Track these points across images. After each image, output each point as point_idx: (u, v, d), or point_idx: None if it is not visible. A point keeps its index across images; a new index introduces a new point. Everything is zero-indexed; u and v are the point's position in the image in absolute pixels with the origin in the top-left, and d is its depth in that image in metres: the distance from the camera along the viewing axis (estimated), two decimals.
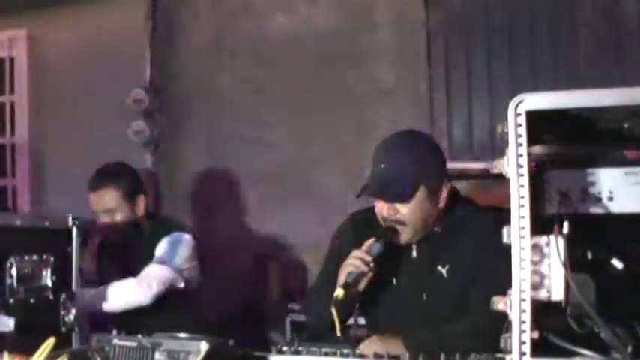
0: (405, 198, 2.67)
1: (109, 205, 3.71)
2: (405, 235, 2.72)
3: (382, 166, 2.70)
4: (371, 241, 2.69)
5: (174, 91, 5.42)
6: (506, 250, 1.62)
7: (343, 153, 4.54)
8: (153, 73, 5.36)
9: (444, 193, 2.71)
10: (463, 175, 4.20)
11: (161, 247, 3.65)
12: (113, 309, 3.35)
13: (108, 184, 3.72)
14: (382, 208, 2.71)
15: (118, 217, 3.72)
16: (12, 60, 5.59)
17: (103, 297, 3.31)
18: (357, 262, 2.64)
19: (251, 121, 5.21)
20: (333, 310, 2.53)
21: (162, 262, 3.58)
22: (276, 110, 5.15)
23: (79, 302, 3.08)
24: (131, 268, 3.72)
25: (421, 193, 2.66)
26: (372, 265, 2.64)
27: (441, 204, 2.71)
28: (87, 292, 3.21)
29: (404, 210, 2.67)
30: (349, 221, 2.95)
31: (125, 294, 3.41)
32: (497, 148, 1.69)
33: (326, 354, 2.03)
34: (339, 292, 2.55)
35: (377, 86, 4.91)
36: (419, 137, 2.82)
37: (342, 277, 2.62)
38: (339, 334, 2.57)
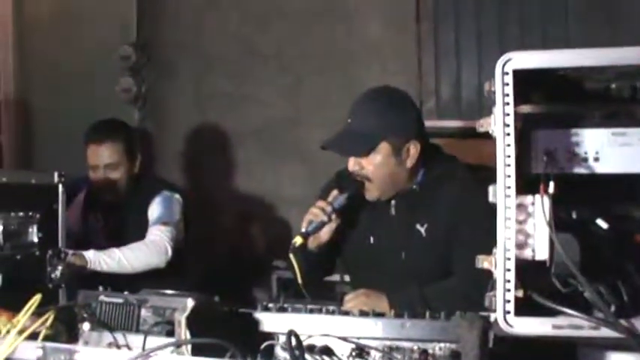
0: (359, 152, 2.68)
1: (112, 159, 3.69)
2: (370, 192, 2.73)
3: (349, 120, 2.71)
4: (335, 192, 2.72)
5: (162, 48, 5.38)
6: (486, 209, 1.62)
7: (331, 110, 4.51)
8: (140, 30, 5.31)
9: (413, 152, 2.69)
10: (450, 133, 4.21)
11: (157, 208, 3.65)
12: (130, 272, 3.35)
13: (112, 137, 3.70)
14: (349, 163, 2.72)
15: (118, 173, 3.71)
16: None
17: (121, 261, 3.31)
18: (317, 211, 2.69)
19: (239, 78, 5.18)
20: (291, 257, 2.64)
21: (165, 223, 3.59)
22: (264, 66, 5.12)
23: (93, 265, 3.10)
24: (118, 225, 3.73)
25: (384, 150, 2.67)
26: (333, 216, 2.69)
27: (410, 163, 2.70)
28: (101, 257, 3.21)
29: (368, 165, 2.68)
30: (333, 179, 2.96)
31: (144, 258, 3.42)
32: (485, 106, 1.68)
33: (311, 311, 2.04)
34: (297, 239, 2.65)
35: (365, 43, 4.88)
36: (390, 94, 2.80)
37: (302, 226, 2.68)
38: (299, 281, 2.62)
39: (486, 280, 1.66)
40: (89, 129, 3.75)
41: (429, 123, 4.27)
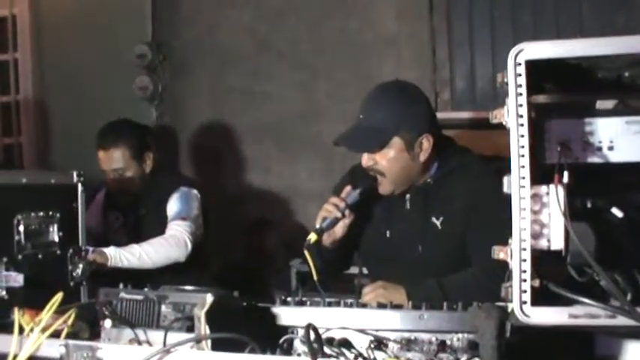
0: (372, 148, 2.69)
1: (118, 164, 3.73)
2: (384, 186, 2.74)
3: (361, 116, 2.71)
4: (348, 188, 2.73)
5: (177, 46, 5.41)
6: (502, 200, 1.63)
7: (347, 103, 4.52)
8: (155, 28, 5.34)
9: (426, 145, 2.68)
10: (465, 124, 4.20)
11: (175, 204, 3.67)
12: (150, 267, 3.38)
13: (117, 143, 3.73)
14: (363, 159, 2.73)
15: (128, 174, 3.75)
16: (14, 17, 5.55)
17: (142, 256, 3.33)
18: (330, 207, 2.70)
19: (254, 74, 5.20)
20: (306, 253, 2.65)
21: (184, 218, 3.61)
22: (279, 62, 5.14)
23: (114, 262, 3.13)
24: (137, 222, 3.76)
25: (397, 145, 2.67)
26: (346, 212, 2.70)
27: (423, 157, 2.70)
28: (121, 253, 3.24)
29: (382, 161, 2.69)
30: (348, 174, 2.97)
31: (164, 252, 3.44)
32: (499, 97, 1.68)
33: (329, 304, 2.05)
34: (311, 236, 2.67)
35: (379, 36, 4.89)
36: (400, 88, 2.79)
37: (317, 223, 2.70)
38: (315, 277, 2.63)
39: (503, 270, 1.66)
40: (98, 133, 3.79)
41: (443, 114, 4.31)
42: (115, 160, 3.73)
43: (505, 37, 4.48)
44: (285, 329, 2.04)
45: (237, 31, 5.24)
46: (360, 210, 2.76)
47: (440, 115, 2.85)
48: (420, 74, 4.29)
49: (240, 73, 5.23)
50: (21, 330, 1.96)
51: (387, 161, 2.68)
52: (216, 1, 5.30)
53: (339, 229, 2.73)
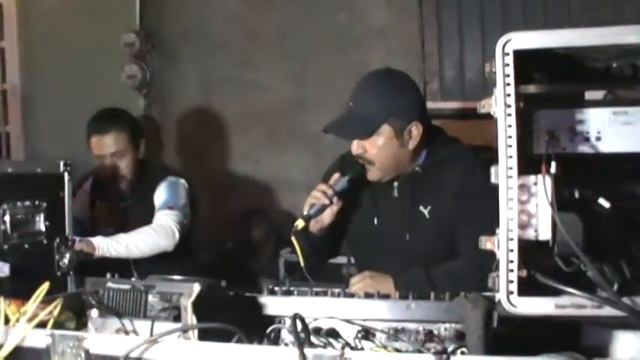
0: (361, 135, 2.68)
1: (117, 148, 3.69)
2: (373, 173, 2.74)
3: (351, 104, 2.71)
4: (337, 175, 2.73)
5: (166, 34, 5.38)
6: (490, 190, 1.62)
7: (336, 93, 4.51)
8: (143, 16, 5.32)
9: (415, 133, 2.68)
10: (454, 114, 4.21)
11: (163, 193, 3.66)
12: (139, 256, 3.38)
13: (115, 126, 3.70)
14: (352, 146, 2.73)
15: (124, 160, 3.72)
16: (0, 6, 5.50)
17: (129, 246, 3.32)
18: (318, 194, 2.70)
19: (243, 63, 5.19)
20: (293, 240, 2.67)
21: (171, 207, 3.60)
22: (268, 51, 5.13)
23: (101, 251, 3.12)
24: (125, 212, 3.75)
25: (386, 133, 2.66)
26: (334, 199, 2.70)
27: (412, 145, 2.69)
28: (109, 242, 3.23)
29: (371, 148, 2.68)
30: (337, 162, 2.97)
31: (152, 242, 3.42)
32: (489, 88, 1.67)
33: (317, 294, 2.05)
34: (299, 222, 2.68)
35: (368, 27, 4.88)
36: (390, 75, 2.79)
37: (304, 209, 2.70)
38: (302, 264, 2.64)
39: (492, 260, 1.66)
40: (91, 120, 3.75)
41: (432, 104, 4.31)
42: (111, 144, 3.68)
43: (494, 28, 4.47)
44: (272, 319, 2.04)
45: (226, 21, 5.22)
46: (349, 198, 2.76)
47: (429, 104, 2.85)
48: (409, 64, 4.27)
49: (228, 63, 5.22)
50: (7, 320, 1.96)
51: (377, 148, 2.68)
52: None
53: (327, 216, 2.73)
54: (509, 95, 1.60)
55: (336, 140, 2.77)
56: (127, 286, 2.06)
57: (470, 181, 2.63)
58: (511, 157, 1.60)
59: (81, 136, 3.76)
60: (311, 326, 1.91)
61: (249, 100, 5.14)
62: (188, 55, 5.33)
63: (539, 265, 1.62)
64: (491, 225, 1.64)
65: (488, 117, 1.65)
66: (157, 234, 3.45)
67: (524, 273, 1.60)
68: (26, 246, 2.50)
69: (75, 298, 2.17)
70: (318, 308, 2.00)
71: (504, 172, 1.60)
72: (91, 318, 2.06)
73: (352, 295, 2.06)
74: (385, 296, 2.03)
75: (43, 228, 2.57)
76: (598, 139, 1.69)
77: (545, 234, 1.61)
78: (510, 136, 1.59)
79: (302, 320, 1.84)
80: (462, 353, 1.76)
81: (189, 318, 1.87)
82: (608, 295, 1.57)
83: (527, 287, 1.60)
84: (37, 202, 2.55)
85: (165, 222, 3.50)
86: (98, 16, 5.25)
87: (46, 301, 1.99)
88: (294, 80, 5.07)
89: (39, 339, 1.89)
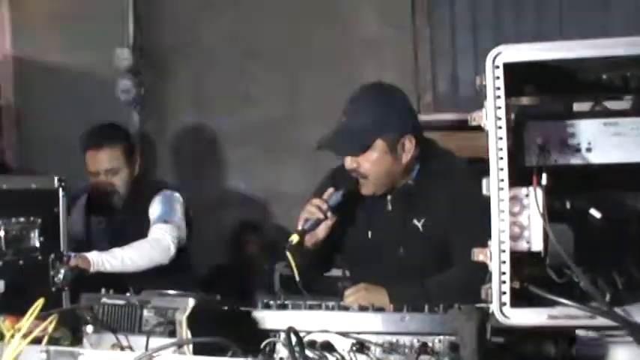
0: (355, 152, 2.69)
1: (112, 164, 3.69)
2: (366, 188, 2.75)
3: (343, 119, 2.72)
4: (331, 189, 2.74)
5: (159, 49, 5.39)
6: (483, 202, 1.63)
7: (329, 107, 4.51)
8: (137, 32, 5.32)
9: (409, 146, 2.70)
10: (447, 126, 4.22)
11: (158, 206, 3.66)
12: (133, 271, 3.37)
13: (112, 141, 3.71)
14: (346, 161, 2.73)
15: (119, 177, 3.72)
16: None
17: (124, 260, 3.32)
18: (312, 209, 2.71)
19: (237, 78, 5.19)
20: (288, 254, 2.66)
21: (166, 221, 3.59)
22: (261, 66, 5.14)
23: (97, 266, 3.11)
24: (120, 227, 3.74)
25: (380, 147, 2.68)
26: (328, 213, 2.71)
27: (405, 158, 2.71)
28: (104, 257, 3.22)
29: (364, 163, 2.69)
30: (329, 176, 2.98)
31: (147, 256, 3.42)
32: (481, 100, 1.69)
33: (311, 307, 2.05)
34: (293, 237, 2.68)
35: (362, 40, 4.90)
36: (381, 90, 2.81)
37: (299, 224, 2.70)
38: (296, 278, 2.65)
39: (485, 272, 1.67)
40: (86, 135, 3.75)
41: (425, 117, 4.32)
42: (108, 159, 3.69)
43: (487, 41, 4.50)
44: (267, 333, 2.03)
45: (219, 35, 5.24)
46: (342, 211, 2.77)
47: (422, 117, 2.86)
48: (403, 78, 4.29)
49: (222, 77, 5.22)
50: (1, 336, 1.95)
51: (370, 163, 2.69)
52: (198, 4, 5.29)
53: (322, 231, 2.73)
54: (499, 108, 1.61)
55: (330, 154, 2.78)
56: (121, 302, 2.06)
57: (464, 194, 2.62)
58: (502, 169, 1.60)
59: (75, 151, 3.76)
60: (306, 340, 1.91)
61: (243, 115, 5.15)
62: (182, 70, 5.34)
63: (532, 277, 1.62)
64: (484, 237, 1.65)
65: (481, 129, 1.66)
66: (153, 248, 3.44)
67: (516, 284, 1.61)
68: (21, 262, 2.50)
69: (70, 314, 2.16)
70: (313, 322, 2.00)
71: (496, 184, 1.61)
72: (86, 334, 2.06)
73: (347, 308, 2.07)
74: (379, 309, 2.03)
75: (37, 244, 2.57)
76: (589, 150, 1.69)
77: (537, 245, 1.62)
78: (501, 149, 1.60)
79: (296, 334, 1.84)
80: None
81: (184, 333, 1.87)
82: (600, 306, 1.57)
83: (520, 298, 1.60)
84: (31, 218, 2.55)
85: (161, 236, 3.50)
86: (92, 31, 5.26)
87: (41, 317, 1.99)
88: (287, 94, 5.08)
89: (34, 355, 1.89)
